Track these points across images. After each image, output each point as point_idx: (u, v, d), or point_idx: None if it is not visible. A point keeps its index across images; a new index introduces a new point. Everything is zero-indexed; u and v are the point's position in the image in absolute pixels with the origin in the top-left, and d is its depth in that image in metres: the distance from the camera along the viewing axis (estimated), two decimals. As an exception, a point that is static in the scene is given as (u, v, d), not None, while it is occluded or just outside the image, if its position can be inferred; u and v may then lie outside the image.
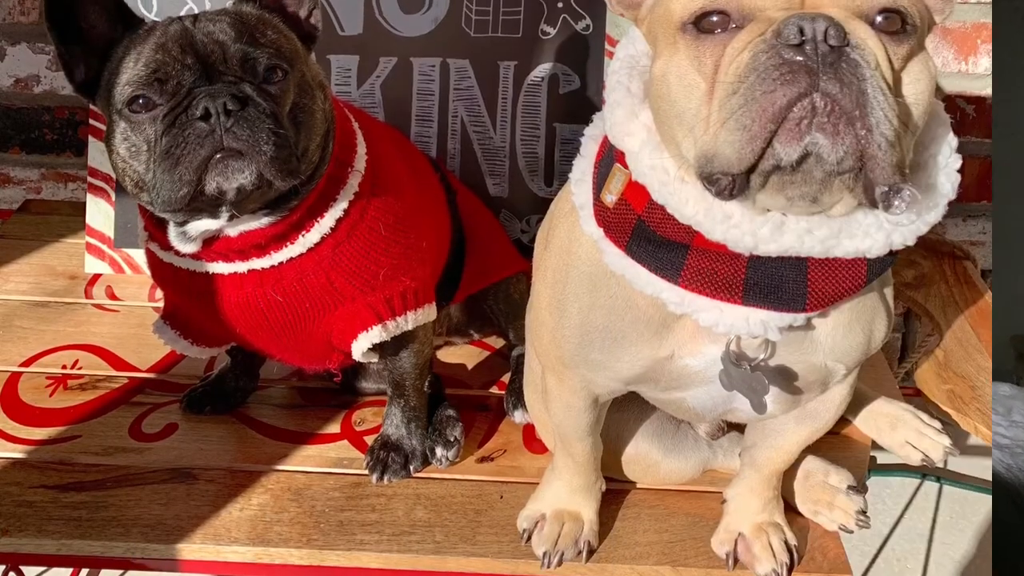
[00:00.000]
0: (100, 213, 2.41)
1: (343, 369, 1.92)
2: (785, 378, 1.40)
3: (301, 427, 1.93)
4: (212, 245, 1.59)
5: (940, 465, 1.86)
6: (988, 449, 1.92)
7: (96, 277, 2.40)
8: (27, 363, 2.09)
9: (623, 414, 1.72)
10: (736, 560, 1.64)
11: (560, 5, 2.32)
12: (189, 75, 1.47)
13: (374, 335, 1.68)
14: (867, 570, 2.84)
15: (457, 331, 2.17)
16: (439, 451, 1.82)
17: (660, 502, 1.76)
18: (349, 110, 1.74)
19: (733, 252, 1.23)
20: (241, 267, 1.62)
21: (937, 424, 1.86)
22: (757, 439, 1.62)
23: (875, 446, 1.89)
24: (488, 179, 2.38)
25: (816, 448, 1.68)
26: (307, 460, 1.84)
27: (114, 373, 2.06)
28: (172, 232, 1.60)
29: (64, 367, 2.08)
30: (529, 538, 1.66)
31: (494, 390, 2.07)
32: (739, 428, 1.76)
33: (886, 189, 1.10)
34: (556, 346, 1.48)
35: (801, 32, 1.07)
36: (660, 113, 1.20)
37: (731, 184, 1.12)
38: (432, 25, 2.33)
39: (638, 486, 1.79)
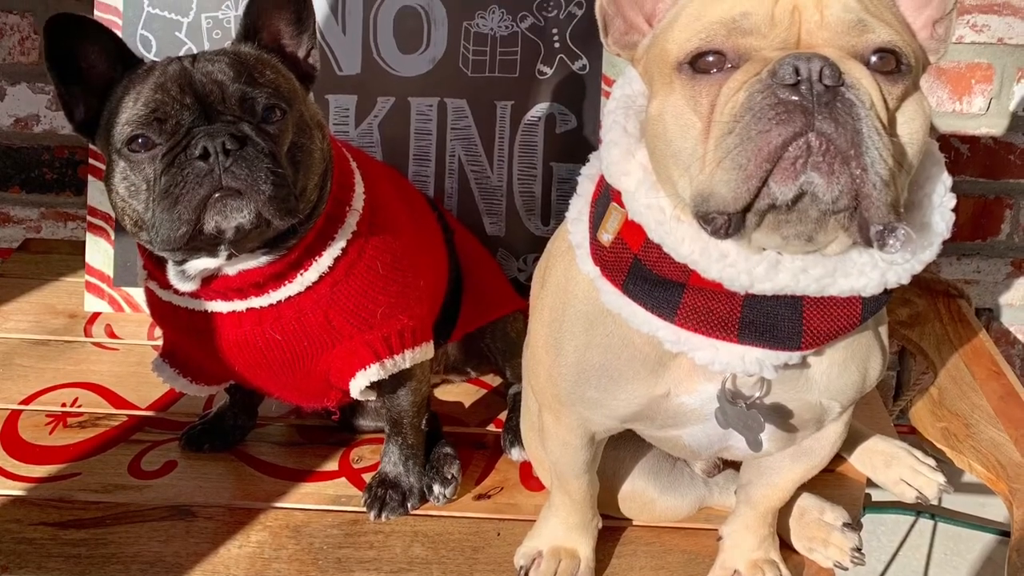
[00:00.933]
0: (99, 252, 2.42)
1: (341, 407, 1.92)
2: (780, 416, 1.40)
3: (299, 464, 1.93)
4: (211, 284, 1.60)
5: (935, 502, 1.87)
6: (982, 486, 1.92)
7: (96, 315, 2.41)
8: (27, 401, 2.09)
9: (619, 452, 1.73)
10: (733, 597, 1.65)
11: (557, 45, 2.34)
12: (188, 115, 1.49)
13: (372, 373, 1.68)
14: (862, 607, 2.84)
15: (454, 369, 2.17)
16: (436, 488, 1.82)
17: (656, 539, 1.77)
18: (347, 149, 1.75)
19: (729, 291, 1.23)
20: (240, 305, 1.62)
21: (931, 462, 1.87)
22: (753, 476, 1.63)
23: (870, 483, 1.90)
24: (485, 218, 2.39)
25: (811, 485, 1.68)
26: (305, 497, 1.85)
27: (113, 411, 2.07)
28: (171, 271, 1.60)
29: (64, 405, 2.08)
30: (526, 575, 1.67)
31: (491, 428, 2.07)
32: (735, 465, 1.76)
33: (881, 228, 1.11)
34: (552, 384, 1.49)
35: (796, 72, 1.07)
36: (656, 152, 1.21)
37: (727, 223, 1.13)
38: (430, 65, 2.35)
39: (634, 523, 1.79)
